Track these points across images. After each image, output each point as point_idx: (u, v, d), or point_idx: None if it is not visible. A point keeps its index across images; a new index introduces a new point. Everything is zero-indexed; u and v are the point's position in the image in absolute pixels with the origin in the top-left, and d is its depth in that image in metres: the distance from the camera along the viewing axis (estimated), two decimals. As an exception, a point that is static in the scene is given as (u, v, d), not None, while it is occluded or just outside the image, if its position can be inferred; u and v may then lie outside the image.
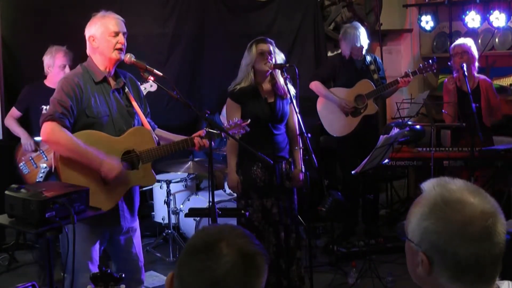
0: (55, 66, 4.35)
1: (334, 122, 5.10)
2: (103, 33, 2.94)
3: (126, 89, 3.09)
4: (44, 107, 4.13)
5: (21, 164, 4.47)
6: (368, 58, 5.12)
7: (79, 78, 2.94)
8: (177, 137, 3.19)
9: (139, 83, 3.24)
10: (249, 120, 3.36)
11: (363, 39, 4.99)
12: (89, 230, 2.91)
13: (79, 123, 2.91)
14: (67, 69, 4.28)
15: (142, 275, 3.22)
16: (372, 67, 5.08)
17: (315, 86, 5.06)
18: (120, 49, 2.97)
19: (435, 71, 4.98)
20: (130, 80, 3.17)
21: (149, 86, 4.42)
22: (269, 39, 3.80)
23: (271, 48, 3.74)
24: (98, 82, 2.98)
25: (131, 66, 3.06)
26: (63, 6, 5.17)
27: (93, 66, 3.00)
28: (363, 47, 5.00)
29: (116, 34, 2.96)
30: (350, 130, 5.05)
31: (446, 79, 5.03)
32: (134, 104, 3.08)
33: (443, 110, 4.94)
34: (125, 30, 3.02)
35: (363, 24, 5.46)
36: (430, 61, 4.86)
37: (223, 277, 1.21)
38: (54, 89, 2.96)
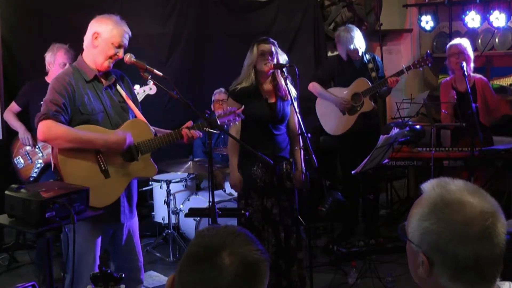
0: (55, 64, 4.35)
1: (331, 120, 5.12)
2: (109, 39, 2.96)
3: (118, 85, 3.10)
4: None
5: (16, 158, 4.46)
6: (367, 56, 5.12)
7: (70, 77, 2.95)
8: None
9: (129, 79, 3.25)
10: (243, 106, 3.36)
11: (358, 41, 4.99)
12: (91, 228, 2.92)
13: (75, 121, 2.92)
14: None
15: (141, 275, 3.23)
16: (370, 65, 5.08)
17: (313, 87, 5.11)
18: (113, 60, 3.00)
19: (430, 65, 4.97)
20: (121, 76, 3.19)
21: (148, 89, 4.41)
22: (271, 40, 3.78)
23: (273, 48, 3.73)
24: (89, 81, 3.00)
25: (131, 66, 3.06)
26: (63, 6, 5.16)
27: (83, 66, 3.01)
28: (358, 49, 5.00)
29: (119, 46, 2.99)
30: (347, 128, 5.06)
31: (443, 81, 5.03)
32: (127, 99, 3.10)
33: (443, 110, 4.93)
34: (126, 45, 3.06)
35: (363, 24, 5.48)
36: (425, 56, 4.85)
37: (227, 287, 1.20)
38: None
